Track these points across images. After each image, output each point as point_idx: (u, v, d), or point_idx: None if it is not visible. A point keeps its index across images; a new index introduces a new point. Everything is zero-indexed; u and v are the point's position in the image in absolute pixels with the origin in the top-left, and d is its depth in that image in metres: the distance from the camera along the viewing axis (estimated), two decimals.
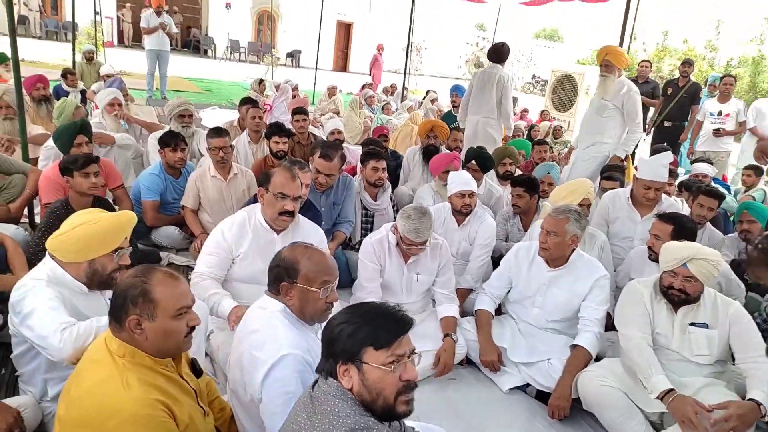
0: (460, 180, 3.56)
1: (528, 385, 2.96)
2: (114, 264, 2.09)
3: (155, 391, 1.57)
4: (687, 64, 8.16)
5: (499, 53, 5.84)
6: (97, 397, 1.53)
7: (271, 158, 4.58)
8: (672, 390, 2.33)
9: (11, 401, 2.05)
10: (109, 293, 2.15)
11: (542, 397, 2.89)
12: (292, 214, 2.74)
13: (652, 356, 2.47)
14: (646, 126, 8.25)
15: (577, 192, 3.65)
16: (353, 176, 4.34)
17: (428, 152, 4.94)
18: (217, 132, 4.01)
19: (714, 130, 7.30)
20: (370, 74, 17.10)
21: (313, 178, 3.64)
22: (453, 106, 8.10)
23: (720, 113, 7.36)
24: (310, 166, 3.64)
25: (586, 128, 5.19)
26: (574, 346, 2.85)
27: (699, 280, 2.46)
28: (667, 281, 2.53)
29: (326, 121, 6.67)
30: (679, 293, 2.49)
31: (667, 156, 3.80)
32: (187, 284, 1.76)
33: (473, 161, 4.40)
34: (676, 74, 8.27)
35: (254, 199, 3.23)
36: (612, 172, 4.53)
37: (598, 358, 3.03)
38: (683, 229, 3.06)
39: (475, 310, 3.18)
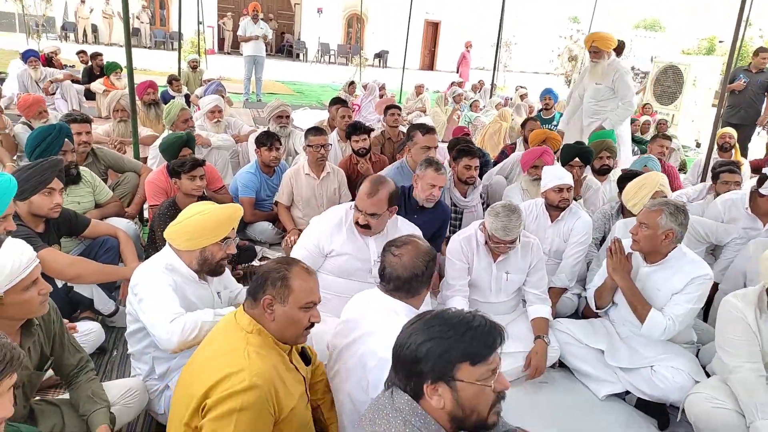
0: (556, 174, 3.42)
1: (627, 392, 2.78)
2: (222, 252, 2.24)
3: (271, 370, 1.68)
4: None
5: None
6: (219, 363, 1.66)
7: (354, 156, 4.65)
8: None
9: (121, 383, 2.21)
10: (216, 284, 2.36)
11: (642, 405, 2.71)
12: (364, 226, 2.69)
13: (761, 393, 2.19)
14: (761, 119, 7.55)
15: (648, 186, 3.41)
16: None
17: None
18: (317, 130, 4.14)
19: None
20: (457, 72, 16.93)
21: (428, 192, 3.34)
22: (544, 109, 7.80)
23: None
24: (420, 169, 3.52)
25: (586, 119, 5.42)
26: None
27: None
28: None
29: (416, 119, 6.67)
30: None
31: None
32: (318, 283, 1.86)
33: (576, 158, 4.18)
34: None
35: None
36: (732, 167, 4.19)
37: (707, 373, 2.79)
38: None
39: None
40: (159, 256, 2.26)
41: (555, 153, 4.61)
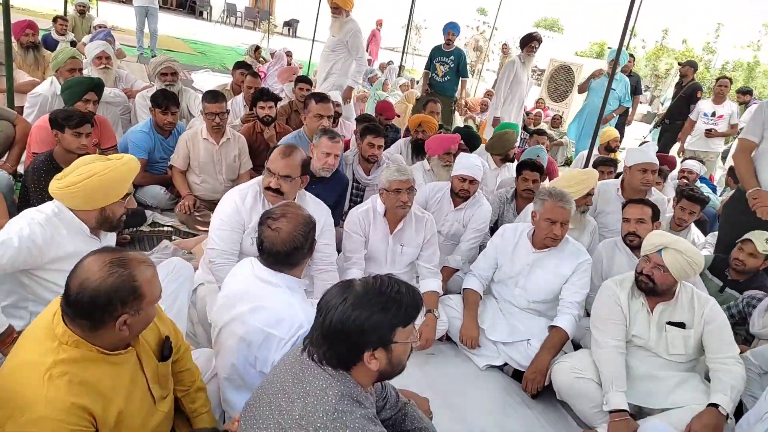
0: (467, 164, 3.53)
1: (505, 364, 3.00)
2: (123, 209, 2.18)
3: (82, 393, 1.42)
4: (689, 65, 8.36)
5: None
6: (18, 381, 1.41)
7: (259, 124, 4.52)
8: (623, 411, 2.37)
9: None
10: (104, 239, 2.25)
11: (518, 376, 2.93)
12: (276, 191, 2.61)
13: (618, 369, 2.47)
14: (657, 122, 8.48)
15: (586, 183, 3.51)
16: (347, 150, 4.29)
17: (417, 147, 4.89)
18: (213, 96, 3.94)
19: (706, 130, 7.37)
20: (367, 50, 16.86)
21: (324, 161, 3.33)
22: (446, 43, 7.64)
23: (714, 114, 7.42)
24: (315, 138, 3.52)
25: (322, 64, 6.23)
26: (552, 327, 2.91)
27: (669, 272, 2.45)
28: (640, 266, 2.55)
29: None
30: (646, 280, 2.50)
31: (651, 145, 3.91)
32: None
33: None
34: (673, 73, 8.36)
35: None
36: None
37: (575, 344, 3.09)
38: (658, 212, 3.17)
39: (463, 289, 3.20)
40: (47, 205, 2.12)
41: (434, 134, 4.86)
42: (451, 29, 7.31)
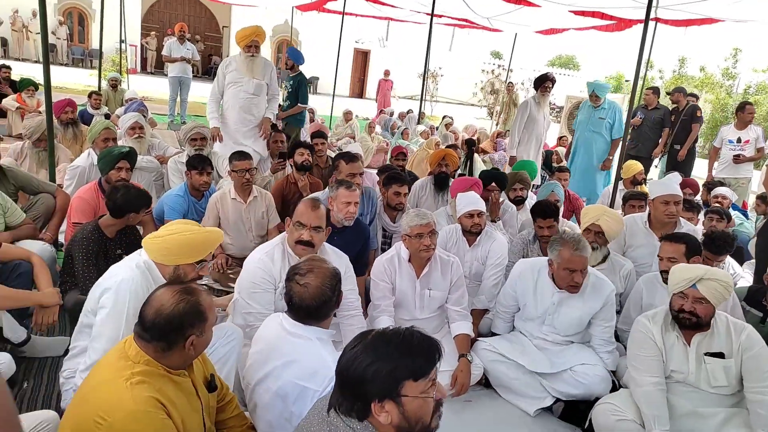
0: (468, 200, 3.60)
1: (554, 402, 2.95)
2: (195, 273, 2.32)
3: (157, 393, 1.65)
4: (678, 91, 8.48)
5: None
6: (102, 393, 1.63)
7: (292, 176, 4.71)
8: None
9: (33, 416, 2.08)
10: None
11: (567, 415, 2.90)
12: (309, 243, 2.68)
13: (660, 407, 2.42)
14: (655, 152, 8.37)
15: (587, 216, 3.55)
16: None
17: (440, 180, 4.99)
18: (241, 155, 4.12)
19: (734, 156, 7.27)
20: (376, 100, 17.28)
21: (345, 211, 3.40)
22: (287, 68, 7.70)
23: (739, 140, 7.34)
24: (330, 191, 3.64)
25: (242, 115, 5.53)
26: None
27: (710, 302, 2.42)
28: (677, 304, 2.48)
29: (345, 146, 6.79)
30: (690, 316, 2.44)
31: (676, 175, 3.89)
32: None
33: (493, 183, 4.44)
34: (691, 101, 8.39)
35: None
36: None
37: (616, 385, 3.01)
38: (696, 247, 3.07)
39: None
40: (134, 256, 2.34)
41: (455, 172, 4.93)
42: (288, 56, 7.34)
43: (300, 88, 7.08)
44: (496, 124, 14.66)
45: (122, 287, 2.22)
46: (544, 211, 3.79)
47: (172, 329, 1.69)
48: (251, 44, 5.28)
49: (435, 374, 1.45)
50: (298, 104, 7.10)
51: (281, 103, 7.05)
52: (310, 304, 2.00)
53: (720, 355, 2.45)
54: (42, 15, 4.06)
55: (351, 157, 4.06)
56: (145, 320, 1.70)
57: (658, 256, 3.18)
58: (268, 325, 2.17)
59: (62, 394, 2.41)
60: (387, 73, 17.35)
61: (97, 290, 2.29)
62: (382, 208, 4.18)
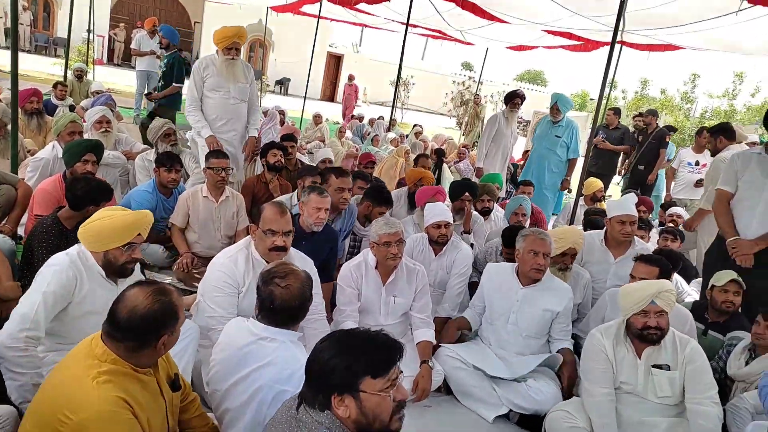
0: (436, 211, 3.69)
1: (509, 411, 3.05)
2: (125, 257, 2.32)
3: (123, 393, 1.66)
4: (651, 114, 8.73)
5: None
6: (68, 391, 1.63)
7: (264, 175, 4.75)
8: None
9: None
10: (121, 285, 2.37)
11: (524, 422, 3.01)
12: (283, 248, 2.73)
13: (609, 416, 2.56)
14: (619, 169, 8.64)
15: (561, 242, 3.61)
16: None
17: (412, 197, 5.07)
18: (219, 154, 4.13)
19: (697, 180, 7.52)
20: (342, 102, 17.34)
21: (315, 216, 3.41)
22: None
23: (697, 163, 7.65)
24: (299, 196, 3.69)
25: (234, 123, 5.09)
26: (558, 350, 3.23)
27: (666, 313, 2.56)
28: (639, 323, 2.56)
29: (316, 150, 6.82)
30: (656, 331, 2.54)
31: (632, 196, 4.05)
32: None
33: (466, 193, 4.60)
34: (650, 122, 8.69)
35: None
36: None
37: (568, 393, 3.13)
38: (668, 271, 3.20)
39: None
40: (73, 247, 2.37)
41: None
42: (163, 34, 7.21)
43: (175, 66, 6.75)
44: (463, 135, 14.92)
45: (45, 270, 2.27)
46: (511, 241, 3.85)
47: (147, 329, 1.70)
48: (232, 46, 4.80)
49: (395, 375, 1.52)
50: (173, 84, 6.81)
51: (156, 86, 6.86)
52: (294, 304, 2.06)
53: (666, 368, 2.59)
54: (13, 3, 3.97)
55: (341, 172, 4.06)
56: (117, 319, 1.70)
57: (630, 275, 3.26)
58: (233, 332, 2.18)
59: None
60: (351, 77, 17.48)
61: None
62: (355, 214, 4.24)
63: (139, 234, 2.35)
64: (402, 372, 1.58)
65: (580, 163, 6.39)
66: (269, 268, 2.18)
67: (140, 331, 1.70)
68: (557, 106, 6.71)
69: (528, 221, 5.06)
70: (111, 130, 5.15)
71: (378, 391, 1.47)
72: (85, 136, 5.01)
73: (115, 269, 2.34)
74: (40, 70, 14.71)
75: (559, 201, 7.24)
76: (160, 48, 7.39)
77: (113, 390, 1.63)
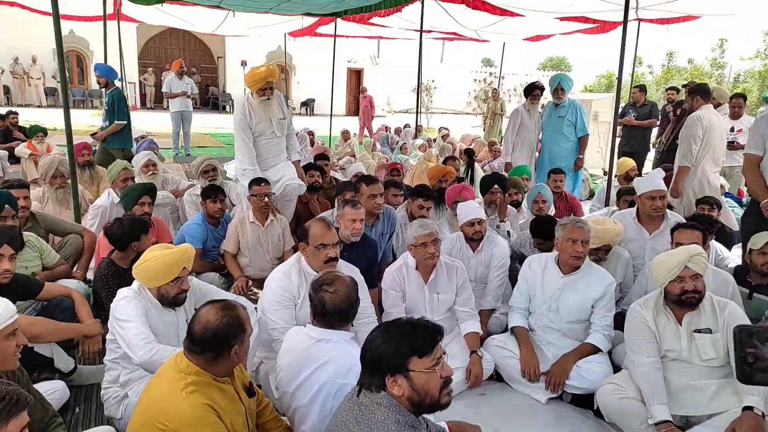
0: (468, 209, 3.84)
1: (563, 392, 3.16)
2: (176, 289, 2.60)
3: (209, 400, 1.90)
4: (673, 89, 8.61)
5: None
6: (163, 403, 1.88)
7: (305, 194, 5.04)
8: (668, 422, 2.52)
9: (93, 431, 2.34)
10: (182, 311, 2.70)
11: (577, 400, 3.13)
12: (336, 259, 2.96)
13: (657, 384, 2.63)
14: (653, 142, 8.54)
15: (598, 238, 3.61)
16: None
17: (440, 194, 5.23)
18: (259, 181, 4.37)
19: (729, 142, 7.42)
20: (360, 116, 17.45)
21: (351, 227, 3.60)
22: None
23: (732, 129, 7.54)
24: (338, 210, 3.89)
25: (272, 160, 4.95)
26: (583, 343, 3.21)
27: (701, 275, 2.63)
28: (677, 289, 2.64)
29: (348, 166, 7.06)
30: (694, 294, 2.62)
31: (659, 171, 4.12)
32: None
33: (495, 185, 4.81)
34: (681, 95, 8.55)
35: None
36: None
37: (617, 368, 3.22)
38: (704, 232, 3.34)
39: (511, 328, 3.42)
40: (133, 284, 2.66)
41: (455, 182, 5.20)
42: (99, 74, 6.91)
43: (116, 103, 6.64)
44: (484, 131, 14.95)
45: (119, 304, 2.57)
46: (544, 232, 4.01)
47: (219, 341, 1.94)
48: (265, 86, 4.65)
49: (440, 354, 1.72)
50: (116, 122, 6.65)
51: (103, 125, 6.77)
52: (343, 307, 2.28)
53: (708, 331, 2.67)
54: (60, 64, 4.38)
55: (371, 180, 4.31)
56: (193, 335, 1.96)
57: (676, 243, 3.31)
58: (293, 339, 2.42)
59: (104, 404, 2.71)
60: (363, 90, 17.65)
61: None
62: (406, 219, 4.49)
63: (185, 268, 2.61)
64: (446, 352, 1.76)
65: (595, 142, 6.42)
66: (317, 277, 2.41)
67: (214, 342, 1.94)
68: (561, 86, 6.72)
69: (552, 208, 5.14)
70: (157, 172, 5.54)
71: (425, 369, 1.68)
72: (135, 180, 5.40)
73: (169, 301, 2.62)
74: (81, 122, 15.54)
75: (576, 182, 7.18)
76: (99, 87, 7.35)
77: (200, 398, 1.87)
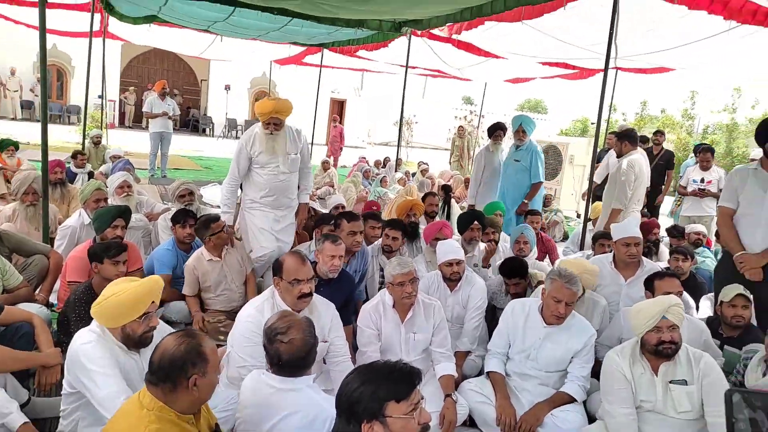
0: (448, 249, 3.80)
1: None
2: (143, 327, 2.39)
3: None
4: (659, 133, 8.80)
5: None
6: None
7: None
8: None
9: None
10: (144, 355, 2.44)
11: None
12: (310, 294, 2.88)
13: None
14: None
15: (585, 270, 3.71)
16: None
17: (412, 229, 5.22)
18: (206, 225, 4.13)
19: (699, 189, 7.61)
20: (327, 145, 17.48)
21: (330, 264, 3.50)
22: None
23: (702, 180, 7.76)
24: (317, 244, 3.81)
25: (279, 198, 4.73)
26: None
27: (678, 326, 2.64)
28: (654, 339, 2.64)
29: (328, 197, 7.01)
30: (671, 344, 2.62)
31: (634, 219, 4.21)
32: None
33: (475, 222, 4.81)
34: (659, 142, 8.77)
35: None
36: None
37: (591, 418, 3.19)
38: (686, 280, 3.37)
39: (487, 372, 3.34)
40: (92, 326, 2.41)
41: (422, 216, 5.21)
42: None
43: None
44: (449, 164, 15.02)
45: (83, 349, 2.31)
46: (510, 270, 4.14)
47: (174, 369, 1.86)
48: (269, 121, 4.53)
49: (417, 398, 1.66)
50: None
51: None
52: (300, 355, 2.20)
53: (683, 383, 2.67)
54: (43, 79, 4.26)
55: (352, 216, 4.26)
56: (152, 365, 1.89)
57: (666, 292, 3.24)
58: (252, 387, 2.32)
59: None
60: (336, 119, 17.84)
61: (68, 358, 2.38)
62: (379, 251, 4.53)
63: (153, 302, 2.40)
64: (423, 397, 1.71)
65: (569, 184, 6.57)
66: (270, 324, 2.29)
67: (170, 371, 1.86)
68: (522, 128, 6.52)
69: (532, 249, 5.16)
70: (132, 194, 5.41)
71: (403, 415, 1.62)
72: (109, 201, 5.27)
73: (134, 341, 2.39)
74: (57, 138, 15.25)
75: (518, 225, 7.13)
76: None
77: None
